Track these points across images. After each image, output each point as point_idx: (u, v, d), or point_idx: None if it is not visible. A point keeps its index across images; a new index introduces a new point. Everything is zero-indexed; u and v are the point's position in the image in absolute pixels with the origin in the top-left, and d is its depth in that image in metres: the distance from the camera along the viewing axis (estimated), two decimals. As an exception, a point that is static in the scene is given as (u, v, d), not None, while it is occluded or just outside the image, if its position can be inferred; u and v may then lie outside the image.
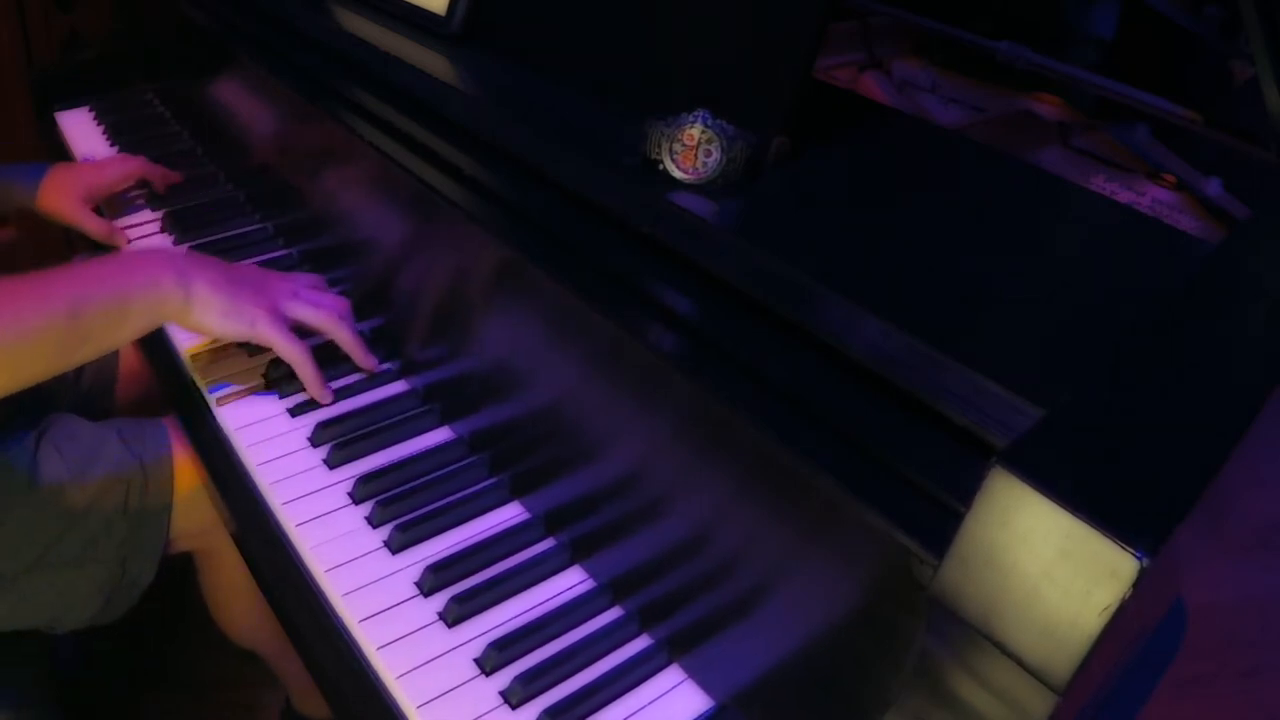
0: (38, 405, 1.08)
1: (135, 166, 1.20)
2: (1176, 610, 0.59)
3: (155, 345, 1.01)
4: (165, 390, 0.98)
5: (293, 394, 0.90)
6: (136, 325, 0.81)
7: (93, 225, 1.15)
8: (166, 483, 0.96)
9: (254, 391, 0.90)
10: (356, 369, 0.92)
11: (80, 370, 1.17)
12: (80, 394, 1.17)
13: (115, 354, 1.20)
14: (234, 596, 1.13)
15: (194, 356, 0.95)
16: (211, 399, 0.90)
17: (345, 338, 0.90)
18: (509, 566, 0.76)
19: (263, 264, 1.09)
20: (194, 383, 0.93)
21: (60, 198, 1.16)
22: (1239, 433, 0.50)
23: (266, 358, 0.91)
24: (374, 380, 0.92)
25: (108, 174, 1.19)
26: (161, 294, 0.81)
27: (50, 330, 0.75)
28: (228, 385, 0.91)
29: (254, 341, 0.86)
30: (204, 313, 0.83)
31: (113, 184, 1.19)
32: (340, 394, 0.90)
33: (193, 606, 1.19)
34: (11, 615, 0.92)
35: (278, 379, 0.91)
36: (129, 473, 0.95)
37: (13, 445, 0.93)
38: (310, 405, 0.89)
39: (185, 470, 0.97)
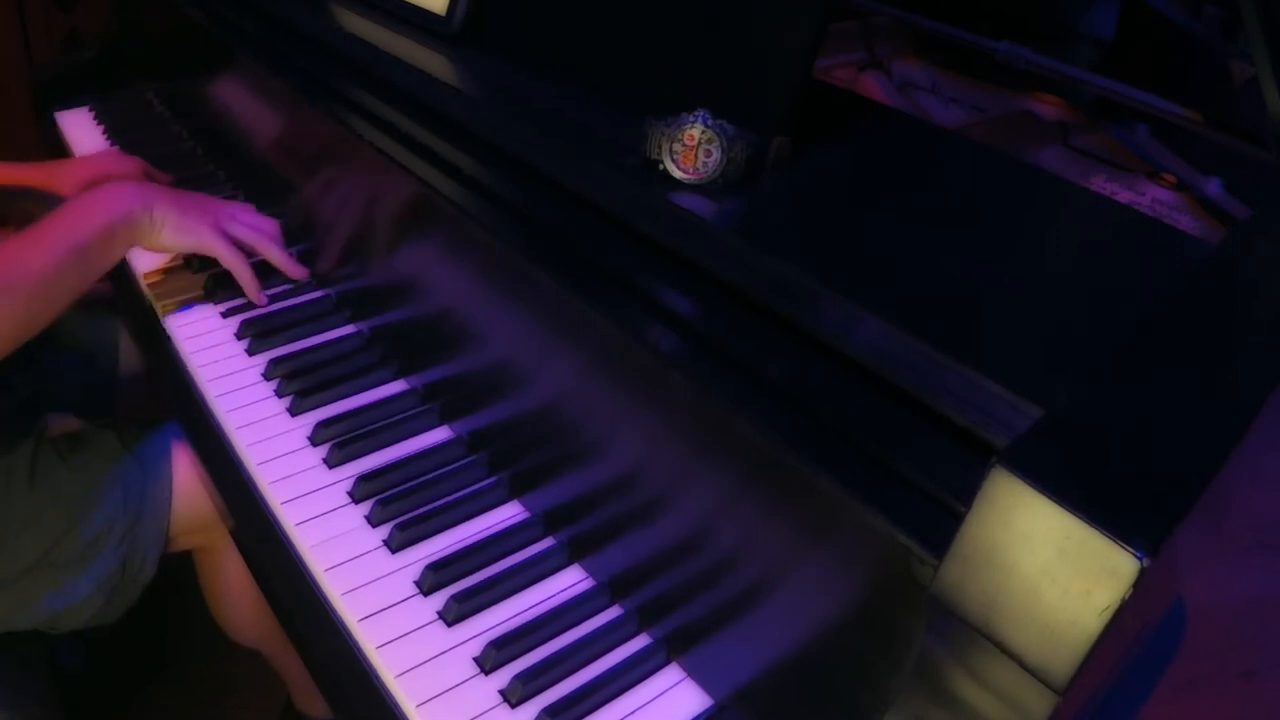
0: (38, 406, 1.08)
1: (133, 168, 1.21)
2: (1176, 610, 0.59)
3: (155, 345, 1.01)
4: (164, 390, 0.98)
5: (226, 300, 1.02)
6: (118, 252, 0.94)
7: None
8: (165, 481, 0.96)
9: (197, 301, 1.03)
10: (287, 280, 1.05)
11: (79, 372, 1.17)
12: (80, 396, 1.17)
13: (115, 357, 1.21)
14: (234, 595, 1.13)
15: (150, 283, 1.06)
16: (166, 321, 1.01)
17: (275, 255, 1.03)
18: (508, 565, 0.76)
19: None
20: (150, 305, 1.04)
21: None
22: (1239, 433, 0.50)
23: (209, 273, 1.05)
24: (303, 288, 1.05)
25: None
26: (134, 220, 0.94)
27: (61, 276, 0.87)
28: (182, 310, 1.02)
29: (200, 253, 1.01)
30: (163, 231, 0.96)
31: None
32: (272, 299, 1.03)
33: (193, 607, 1.19)
34: (12, 615, 0.92)
35: (214, 288, 1.03)
36: (128, 472, 0.95)
37: (13, 447, 0.93)
38: (308, 399, 0.89)
39: (184, 469, 0.97)
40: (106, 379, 1.20)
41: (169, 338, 1.00)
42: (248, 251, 1.02)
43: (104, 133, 1.42)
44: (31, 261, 0.85)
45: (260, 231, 1.03)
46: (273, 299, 1.03)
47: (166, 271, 1.08)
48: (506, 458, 0.83)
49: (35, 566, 0.90)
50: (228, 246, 1.00)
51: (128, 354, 1.21)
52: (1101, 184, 1.08)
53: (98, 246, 0.90)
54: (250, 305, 1.02)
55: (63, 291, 0.88)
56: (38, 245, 0.86)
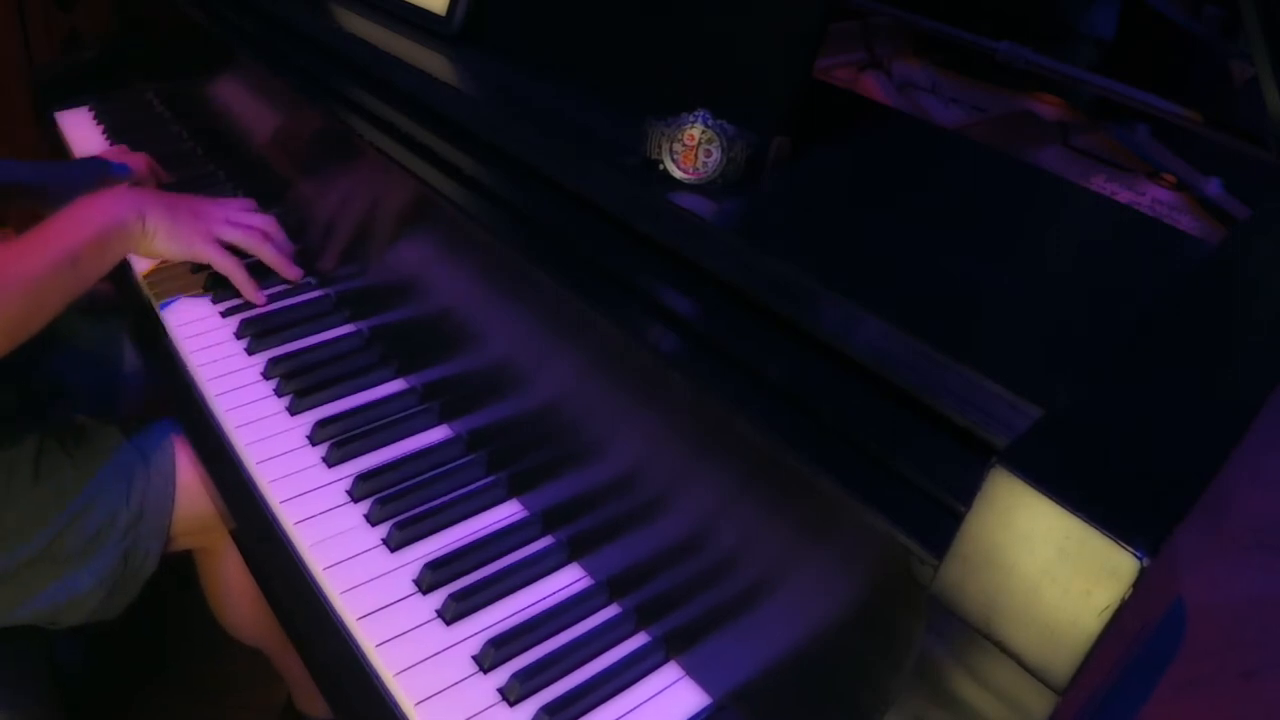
0: (42, 404, 1.08)
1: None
2: (1176, 610, 0.59)
3: (154, 344, 1.01)
4: (164, 389, 0.98)
5: (226, 299, 1.03)
6: (112, 259, 0.95)
7: None
8: (169, 477, 0.97)
9: (195, 296, 1.04)
10: (285, 280, 1.05)
11: (84, 372, 1.17)
12: (85, 396, 1.17)
13: (120, 357, 1.21)
14: (234, 595, 1.13)
15: (147, 279, 1.07)
16: (161, 311, 1.03)
17: (270, 255, 1.03)
18: (507, 564, 0.76)
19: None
20: (148, 300, 1.05)
21: None
22: (1239, 433, 0.50)
23: (207, 271, 1.04)
24: (302, 287, 1.05)
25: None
26: (128, 229, 0.95)
27: (54, 281, 0.88)
28: (175, 299, 1.04)
29: (194, 260, 1.01)
30: (155, 238, 0.97)
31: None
32: (271, 299, 1.03)
33: (193, 606, 1.19)
34: (12, 609, 0.92)
35: (213, 286, 1.04)
36: (131, 467, 0.96)
37: (17, 442, 0.93)
38: (307, 398, 0.89)
39: (186, 467, 0.97)
40: (111, 379, 1.20)
41: (168, 336, 1.00)
42: (243, 253, 1.02)
43: (104, 133, 1.42)
44: (25, 265, 0.86)
45: (254, 231, 1.03)
46: (272, 298, 1.03)
47: (165, 267, 1.08)
48: (505, 457, 0.83)
49: (37, 559, 0.91)
50: (220, 253, 1.00)
51: (132, 355, 1.21)
52: (1101, 184, 1.08)
53: (91, 253, 0.91)
54: (250, 304, 1.02)
55: (56, 296, 0.88)
56: (33, 250, 0.87)
